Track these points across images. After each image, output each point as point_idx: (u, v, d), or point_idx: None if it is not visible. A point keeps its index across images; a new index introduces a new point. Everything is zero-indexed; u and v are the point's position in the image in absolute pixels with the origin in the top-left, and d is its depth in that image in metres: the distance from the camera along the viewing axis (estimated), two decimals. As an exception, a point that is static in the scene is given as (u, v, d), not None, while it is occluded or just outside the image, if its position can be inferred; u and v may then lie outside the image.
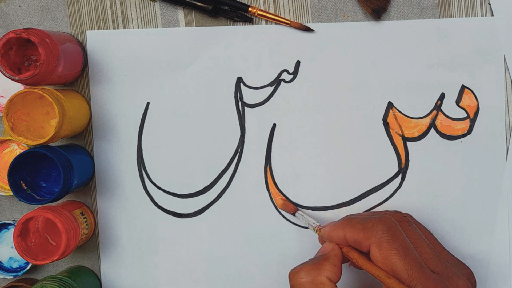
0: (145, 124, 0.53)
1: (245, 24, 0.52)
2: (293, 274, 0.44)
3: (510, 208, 0.52)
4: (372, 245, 0.42)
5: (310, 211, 0.53)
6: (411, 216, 0.49)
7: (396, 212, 0.48)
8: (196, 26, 0.52)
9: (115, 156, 0.53)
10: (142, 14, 0.52)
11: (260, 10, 0.51)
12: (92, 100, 0.52)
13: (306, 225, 0.51)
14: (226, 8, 0.52)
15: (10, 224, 0.52)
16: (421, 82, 0.52)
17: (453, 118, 0.52)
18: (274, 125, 0.53)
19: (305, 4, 0.52)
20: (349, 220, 0.45)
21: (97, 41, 0.52)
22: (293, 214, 0.52)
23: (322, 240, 0.49)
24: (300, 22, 0.52)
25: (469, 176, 0.52)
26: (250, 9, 0.51)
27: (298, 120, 0.53)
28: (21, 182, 0.48)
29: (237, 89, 0.53)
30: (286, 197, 0.53)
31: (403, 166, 0.53)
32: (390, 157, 0.52)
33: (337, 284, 0.43)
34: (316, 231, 0.49)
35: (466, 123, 0.52)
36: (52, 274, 0.52)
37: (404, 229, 0.45)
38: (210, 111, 0.53)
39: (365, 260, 0.43)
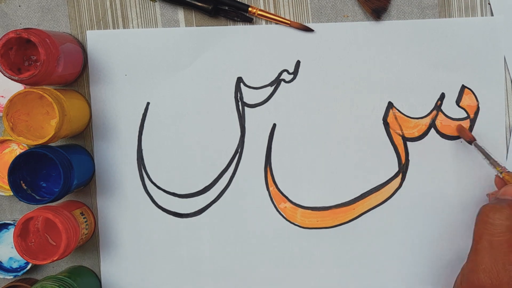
0: (145, 124, 0.53)
1: (245, 24, 0.52)
2: (489, 211, 0.43)
3: (510, 208, 0.52)
4: None
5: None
6: None
7: None
8: (196, 26, 0.52)
9: (115, 156, 0.53)
10: (142, 14, 0.52)
11: (260, 10, 0.51)
12: (92, 100, 0.52)
13: (485, 159, 0.48)
14: (226, 8, 0.52)
15: (10, 224, 0.52)
16: (421, 82, 0.52)
17: (453, 118, 0.52)
18: (274, 125, 0.53)
19: (305, 4, 0.52)
20: None
21: (97, 41, 0.52)
22: (469, 142, 0.50)
23: (500, 182, 0.48)
24: (300, 22, 0.52)
25: (469, 176, 0.52)
26: (250, 9, 0.51)
27: (298, 120, 0.52)
28: (21, 182, 0.48)
29: (237, 89, 0.53)
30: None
31: (403, 166, 0.52)
32: (390, 157, 0.52)
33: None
34: (501, 172, 0.47)
35: (466, 123, 0.52)
36: (52, 274, 0.51)
37: None
38: (210, 111, 0.53)
39: None
